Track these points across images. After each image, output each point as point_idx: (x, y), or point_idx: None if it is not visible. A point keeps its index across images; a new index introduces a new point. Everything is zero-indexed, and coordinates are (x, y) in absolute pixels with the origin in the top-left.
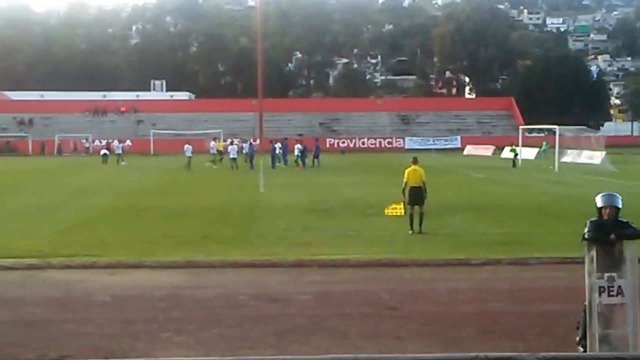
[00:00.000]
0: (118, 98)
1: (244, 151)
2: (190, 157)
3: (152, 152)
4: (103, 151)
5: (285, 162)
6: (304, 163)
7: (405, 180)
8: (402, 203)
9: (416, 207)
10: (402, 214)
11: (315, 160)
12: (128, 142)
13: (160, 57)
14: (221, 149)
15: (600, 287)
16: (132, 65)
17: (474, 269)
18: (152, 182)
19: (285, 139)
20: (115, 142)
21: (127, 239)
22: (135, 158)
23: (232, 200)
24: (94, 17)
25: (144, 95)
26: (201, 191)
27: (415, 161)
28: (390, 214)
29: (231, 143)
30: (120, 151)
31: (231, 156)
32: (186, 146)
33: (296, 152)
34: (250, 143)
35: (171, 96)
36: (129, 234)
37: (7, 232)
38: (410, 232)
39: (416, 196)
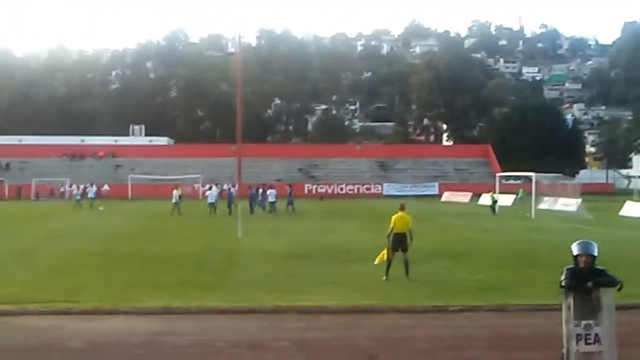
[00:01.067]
0: (96, 142)
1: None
2: (177, 203)
3: (130, 197)
4: (77, 196)
5: (263, 208)
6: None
7: (391, 226)
8: (386, 249)
9: (401, 254)
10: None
11: (290, 206)
12: (106, 187)
13: (139, 102)
14: (180, 194)
15: (577, 335)
16: (112, 110)
17: (452, 315)
18: (129, 227)
19: (264, 184)
20: (89, 187)
21: (104, 284)
22: (114, 203)
23: (210, 245)
24: (74, 61)
25: (122, 140)
26: (179, 236)
27: (402, 208)
28: (378, 262)
29: (209, 188)
30: (92, 195)
31: (209, 201)
32: (174, 192)
33: (271, 199)
34: (230, 189)
35: (150, 141)
36: (105, 280)
37: None
38: (384, 278)
39: (400, 242)
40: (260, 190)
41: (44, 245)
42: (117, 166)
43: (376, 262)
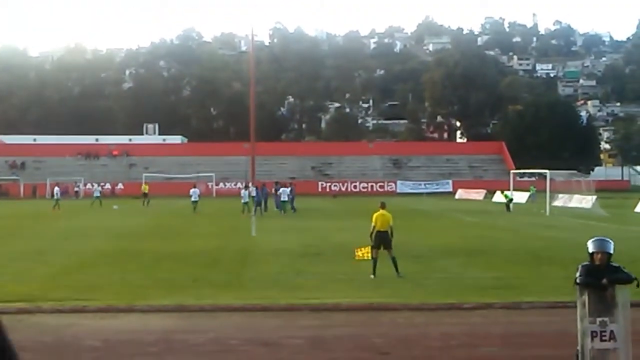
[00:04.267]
0: (110, 142)
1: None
2: (196, 201)
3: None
4: (96, 193)
5: (278, 206)
6: (282, 208)
7: (373, 224)
8: (369, 247)
9: (384, 251)
10: (369, 258)
11: (290, 206)
12: (120, 186)
13: (153, 101)
14: (146, 191)
15: (592, 332)
16: (125, 109)
17: (466, 313)
18: (143, 226)
19: (276, 182)
20: (95, 186)
21: (118, 282)
22: (127, 201)
23: (224, 244)
24: (87, 61)
25: (136, 139)
26: (193, 235)
27: (383, 206)
28: (359, 258)
29: (245, 187)
30: (98, 194)
31: (243, 200)
32: (192, 190)
33: (283, 197)
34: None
35: (164, 140)
36: (120, 278)
37: None
38: (372, 276)
39: (383, 240)
40: (274, 189)
41: (59, 243)
42: (131, 165)
43: (358, 257)
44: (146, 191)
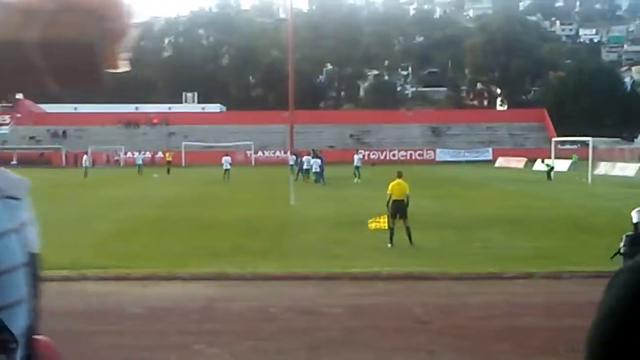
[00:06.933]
0: (150, 110)
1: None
2: (228, 169)
3: (183, 164)
4: (138, 160)
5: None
6: (318, 178)
7: (389, 193)
8: (386, 216)
9: (400, 220)
10: (386, 227)
11: (320, 178)
12: (160, 155)
13: (192, 70)
14: (170, 159)
15: None
16: (165, 78)
17: (506, 282)
18: (183, 195)
19: (313, 150)
20: (136, 154)
21: (160, 250)
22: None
23: (263, 212)
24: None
25: (175, 108)
26: (233, 203)
27: (399, 175)
28: (373, 228)
29: (314, 156)
30: (140, 162)
31: (314, 169)
32: (224, 158)
33: (315, 168)
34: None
35: (203, 108)
36: (161, 246)
37: (42, 244)
38: (390, 245)
39: (399, 209)
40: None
41: (100, 212)
42: (171, 134)
43: (371, 227)
44: (170, 159)
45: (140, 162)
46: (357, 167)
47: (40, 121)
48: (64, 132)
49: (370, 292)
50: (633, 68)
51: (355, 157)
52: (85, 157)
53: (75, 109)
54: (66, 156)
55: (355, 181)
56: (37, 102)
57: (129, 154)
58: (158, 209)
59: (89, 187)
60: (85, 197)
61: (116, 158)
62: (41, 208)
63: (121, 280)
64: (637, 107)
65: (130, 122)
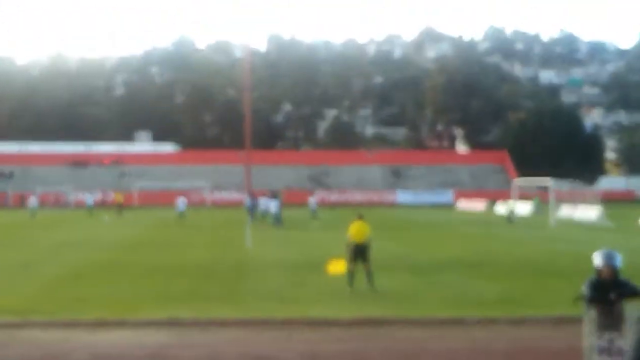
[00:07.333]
0: (101, 149)
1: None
2: (183, 211)
3: (137, 205)
4: (89, 202)
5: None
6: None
7: (349, 235)
8: (344, 260)
9: (361, 265)
10: (345, 271)
11: (274, 217)
12: (112, 195)
13: (145, 108)
14: (121, 201)
15: (600, 348)
16: (116, 116)
17: (468, 327)
18: (135, 237)
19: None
20: (87, 195)
21: (110, 295)
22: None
23: (218, 255)
24: (77, 68)
25: (128, 147)
26: (187, 246)
27: (360, 217)
28: (332, 273)
29: (273, 197)
30: (91, 203)
31: (272, 211)
32: (179, 199)
33: (273, 209)
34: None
35: (156, 148)
36: (111, 291)
37: None
38: (349, 289)
39: (359, 252)
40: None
41: (48, 255)
42: (122, 174)
43: (330, 271)
44: (121, 201)
45: (90, 203)
46: (313, 211)
47: None
48: (11, 173)
49: (329, 338)
50: (593, 110)
51: (311, 199)
52: (32, 197)
53: (23, 148)
54: (12, 197)
55: (313, 224)
56: None
57: (80, 195)
58: (108, 251)
59: (36, 229)
60: (32, 239)
61: (65, 199)
62: None
63: (68, 327)
64: (597, 150)
65: (79, 161)
